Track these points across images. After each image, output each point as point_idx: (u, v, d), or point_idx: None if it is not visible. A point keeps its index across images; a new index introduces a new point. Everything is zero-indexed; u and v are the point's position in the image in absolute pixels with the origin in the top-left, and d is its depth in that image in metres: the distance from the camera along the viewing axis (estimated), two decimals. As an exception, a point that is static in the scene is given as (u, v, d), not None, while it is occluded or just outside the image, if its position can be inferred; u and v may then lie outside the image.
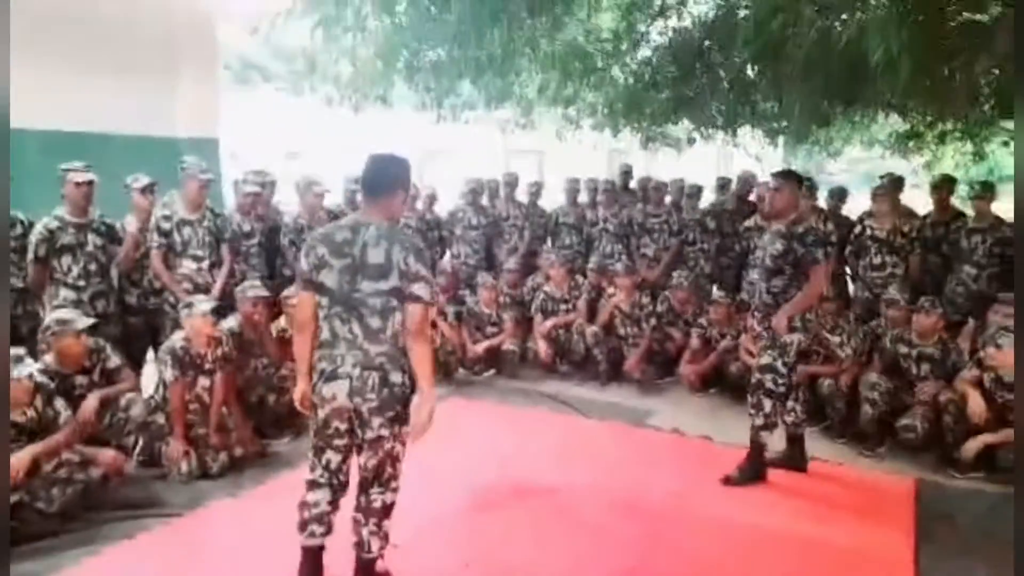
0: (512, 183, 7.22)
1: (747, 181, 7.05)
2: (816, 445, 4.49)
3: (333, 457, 2.85)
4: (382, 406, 2.73)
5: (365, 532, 2.86)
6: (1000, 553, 3.36)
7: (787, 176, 4.05)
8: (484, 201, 7.16)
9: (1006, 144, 7.88)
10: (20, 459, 3.34)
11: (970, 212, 5.73)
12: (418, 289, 2.71)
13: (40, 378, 3.62)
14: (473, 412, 5.35)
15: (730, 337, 5.61)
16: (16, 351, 3.49)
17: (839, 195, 6.57)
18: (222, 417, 4.27)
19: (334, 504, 2.90)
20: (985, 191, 5.60)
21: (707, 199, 7.41)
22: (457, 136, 12.65)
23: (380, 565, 2.95)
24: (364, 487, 2.86)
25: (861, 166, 18.65)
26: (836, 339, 4.98)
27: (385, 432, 2.77)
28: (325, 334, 2.78)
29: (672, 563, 3.31)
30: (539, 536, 3.52)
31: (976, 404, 4.17)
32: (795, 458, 4.24)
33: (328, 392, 2.74)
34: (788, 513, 3.78)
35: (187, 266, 4.88)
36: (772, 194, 4.00)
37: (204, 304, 4.15)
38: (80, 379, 3.98)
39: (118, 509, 3.69)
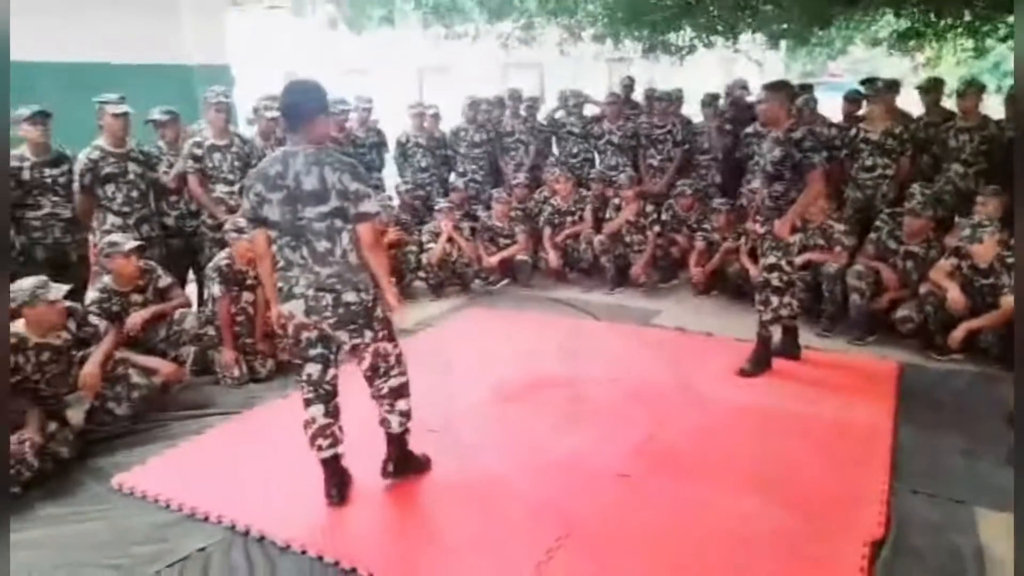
0: (516, 98, 7.38)
1: (736, 88, 7.23)
2: (808, 338, 4.85)
3: (313, 369, 3.01)
4: (340, 322, 2.90)
5: (382, 412, 3.14)
6: (970, 421, 3.77)
7: (774, 87, 4.25)
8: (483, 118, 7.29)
9: (1003, 40, 7.90)
10: (92, 374, 3.71)
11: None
12: (365, 206, 2.80)
13: (69, 302, 3.74)
14: (492, 318, 5.75)
15: (731, 240, 5.92)
16: (39, 278, 3.56)
17: (855, 97, 6.39)
18: (266, 326, 4.65)
19: (331, 415, 3.06)
20: (970, 90, 5.67)
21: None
22: (458, 53, 12.59)
23: (419, 451, 3.32)
24: (369, 381, 3.08)
25: (864, 66, 18.44)
26: (840, 227, 5.24)
27: (358, 340, 2.95)
28: (281, 261, 2.95)
29: (677, 438, 3.69)
30: (558, 420, 3.91)
31: (955, 295, 4.42)
32: (790, 347, 4.62)
33: (287, 310, 2.93)
34: (781, 394, 4.17)
35: (220, 190, 5.15)
36: (762, 105, 4.22)
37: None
38: (136, 297, 4.33)
39: (182, 411, 4.14)
